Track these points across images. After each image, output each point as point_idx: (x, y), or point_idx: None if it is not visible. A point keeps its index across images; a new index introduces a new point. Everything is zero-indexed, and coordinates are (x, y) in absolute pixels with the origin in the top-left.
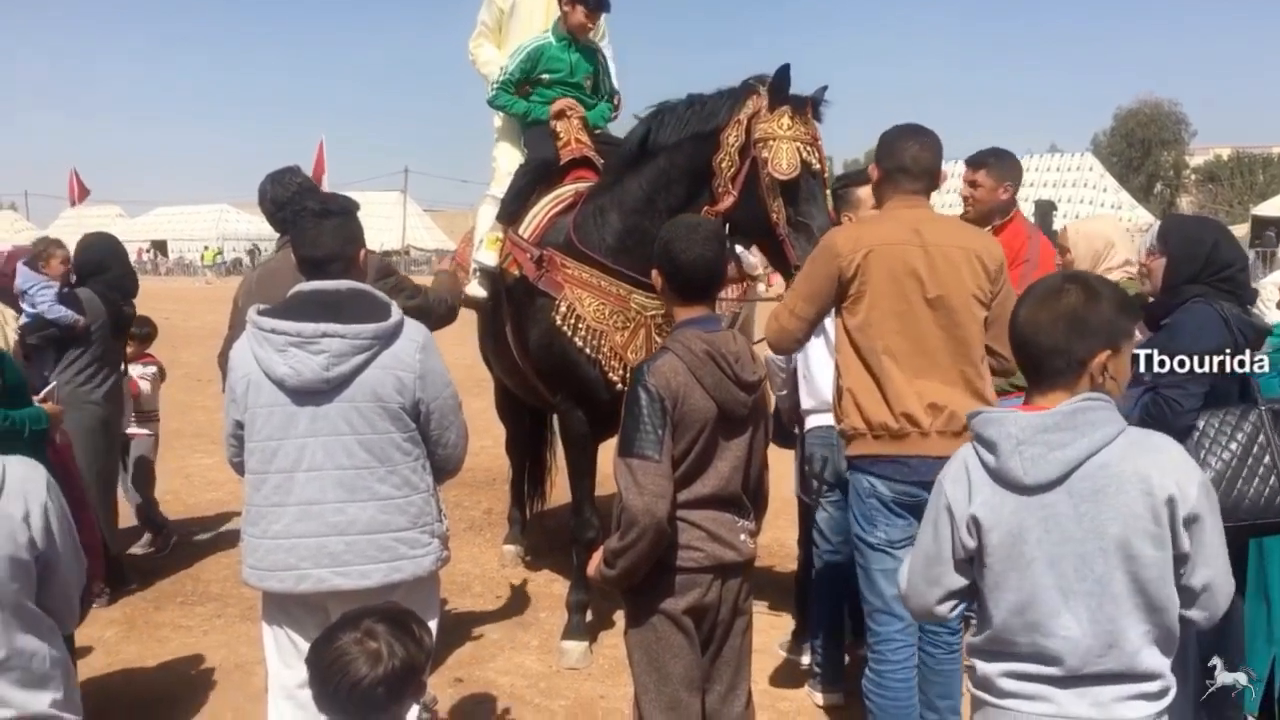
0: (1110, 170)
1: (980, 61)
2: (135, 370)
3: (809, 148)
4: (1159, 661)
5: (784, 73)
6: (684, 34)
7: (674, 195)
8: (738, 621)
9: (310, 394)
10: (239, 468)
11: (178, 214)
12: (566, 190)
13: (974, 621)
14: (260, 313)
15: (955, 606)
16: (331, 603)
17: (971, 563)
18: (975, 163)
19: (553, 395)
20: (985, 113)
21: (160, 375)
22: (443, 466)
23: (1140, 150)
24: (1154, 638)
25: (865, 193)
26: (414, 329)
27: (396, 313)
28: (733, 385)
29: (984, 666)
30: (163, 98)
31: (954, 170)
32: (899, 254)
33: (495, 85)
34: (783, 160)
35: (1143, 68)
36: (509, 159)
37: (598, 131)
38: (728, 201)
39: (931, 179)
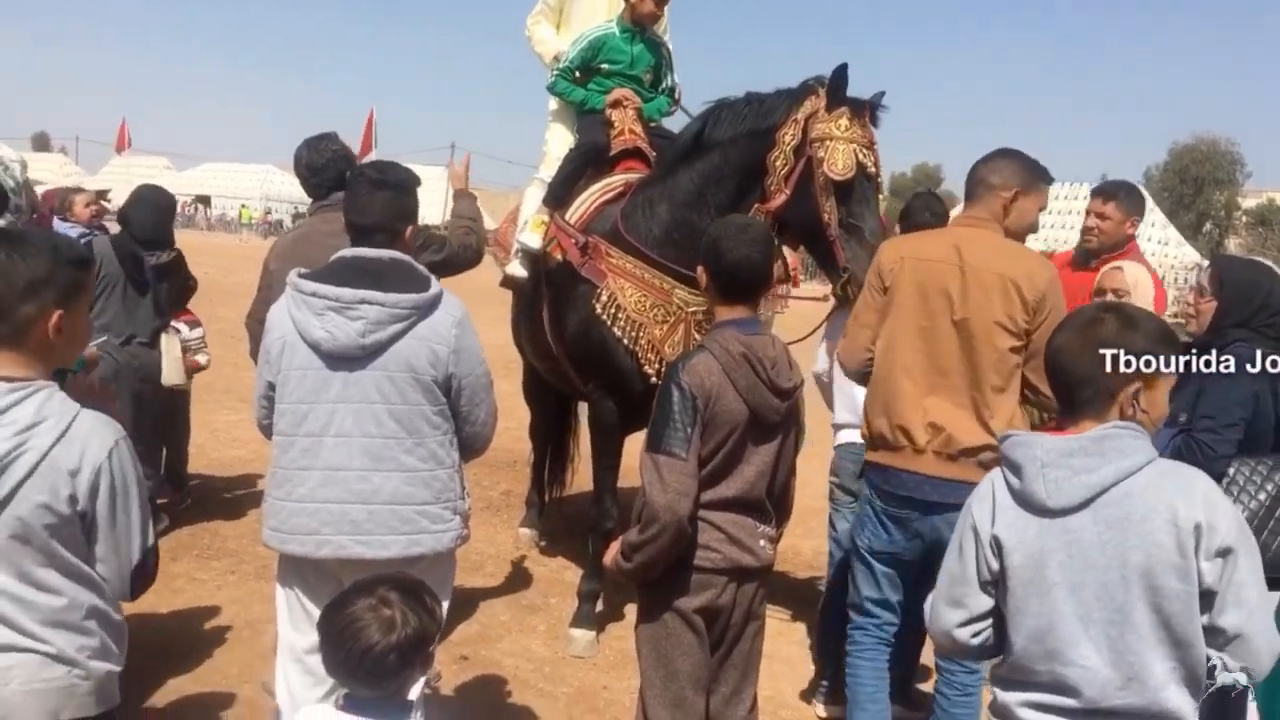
0: (1160, 205)
1: (1037, 88)
2: (184, 332)
3: (866, 150)
4: (1184, 702)
5: (842, 72)
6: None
7: (725, 191)
8: (750, 626)
9: (345, 359)
10: (267, 430)
11: (224, 171)
12: (616, 180)
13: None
14: (301, 275)
15: (976, 634)
16: (346, 572)
17: (996, 585)
18: (1105, 194)
19: (585, 383)
20: (1038, 138)
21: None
22: (470, 444)
23: (1192, 188)
24: (1180, 676)
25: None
26: (452, 303)
27: (436, 285)
28: (766, 390)
29: (1003, 695)
30: (218, 53)
31: (1062, 193)
32: (933, 270)
33: (555, 72)
34: (839, 161)
35: (1201, 105)
36: (561, 143)
37: (653, 125)
38: (780, 199)
39: (985, 189)
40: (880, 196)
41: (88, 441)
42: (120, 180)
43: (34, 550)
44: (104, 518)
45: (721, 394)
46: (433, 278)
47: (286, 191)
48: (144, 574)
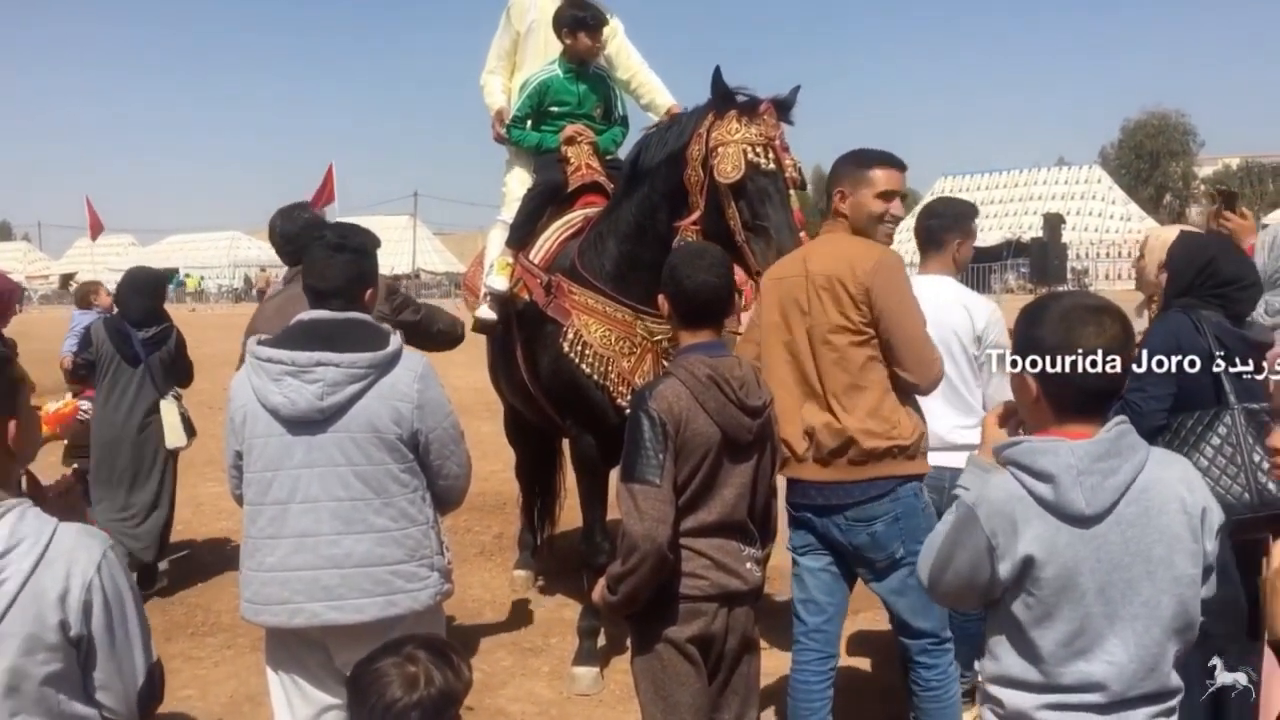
0: (1119, 182)
1: (986, 74)
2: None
3: (758, 149)
4: (1178, 679)
5: (715, 76)
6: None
7: (660, 220)
8: (746, 650)
9: (305, 424)
10: (240, 500)
11: (190, 241)
12: (576, 216)
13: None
14: (259, 343)
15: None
16: (330, 639)
17: (1006, 592)
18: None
19: (563, 420)
20: (993, 125)
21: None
22: (445, 497)
23: (1149, 162)
24: (1177, 654)
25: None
26: (412, 358)
27: (395, 342)
28: (737, 410)
29: (1016, 698)
30: (173, 126)
31: (1021, 179)
32: (787, 287)
33: (506, 123)
34: (727, 164)
35: (1149, 79)
36: (520, 184)
37: (609, 157)
38: (694, 215)
39: (828, 200)
40: (797, 190)
41: (73, 558)
42: (85, 263)
43: (25, 700)
44: (102, 639)
45: (691, 418)
46: (394, 335)
47: (254, 255)
48: (152, 694)
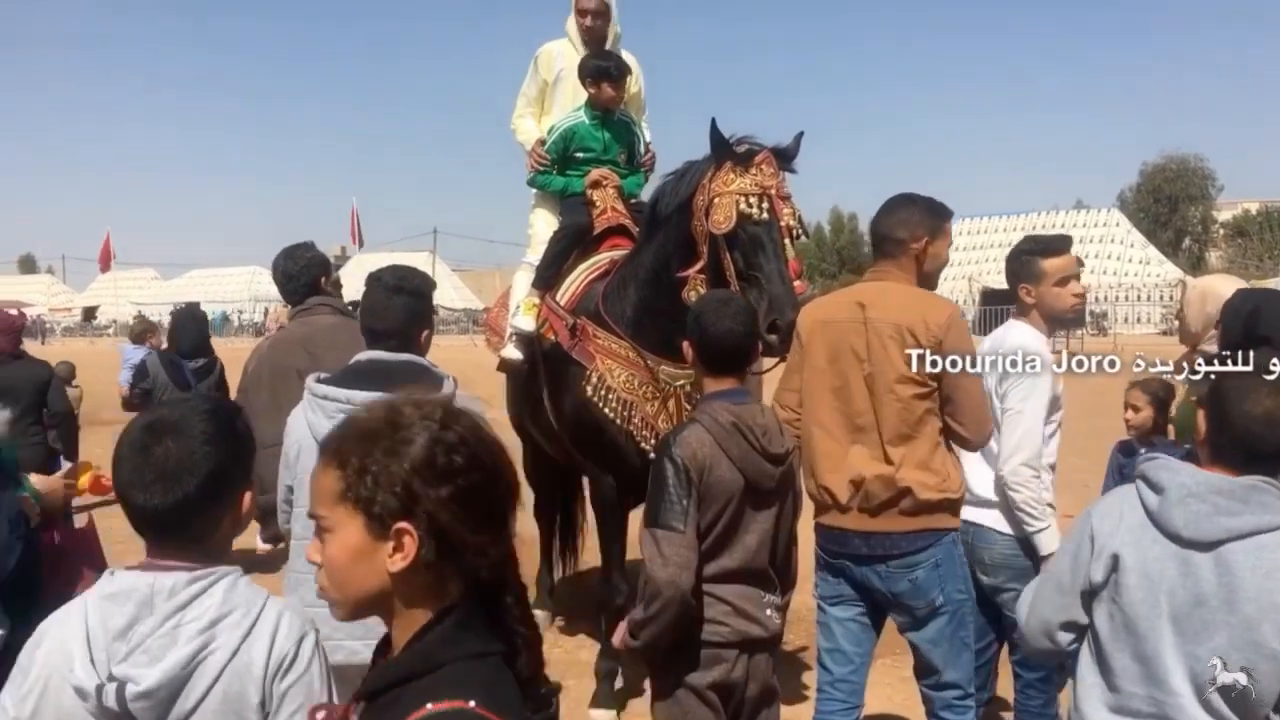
0: (1138, 226)
1: (1005, 117)
2: None
3: (751, 199)
4: None
5: (712, 128)
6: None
7: (673, 269)
8: (765, 697)
9: None
10: (289, 534)
11: (211, 276)
12: (602, 258)
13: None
14: (317, 380)
15: (1071, 642)
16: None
17: (1093, 598)
18: None
19: (584, 461)
20: (1010, 168)
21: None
22: None
23: (1167, 206)
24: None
25: (1052, 264)
26: (466, 397)
27: (450, 385)
28: (760, 458)
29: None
30: (198, 160)
31: (1040, 222)
32: (841, 331)
33: (538, 166)
34: (720, 215)
35: (1167, 123)
36: (546, 226)
37: (633, 200)
38: (698, 265)
39: (895, 245)
40: (797, 238)
41: (278, 633)
42: (109, 295)
43: None
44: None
45: (715, 464)
46: (448, 378)
47: (274, 291)
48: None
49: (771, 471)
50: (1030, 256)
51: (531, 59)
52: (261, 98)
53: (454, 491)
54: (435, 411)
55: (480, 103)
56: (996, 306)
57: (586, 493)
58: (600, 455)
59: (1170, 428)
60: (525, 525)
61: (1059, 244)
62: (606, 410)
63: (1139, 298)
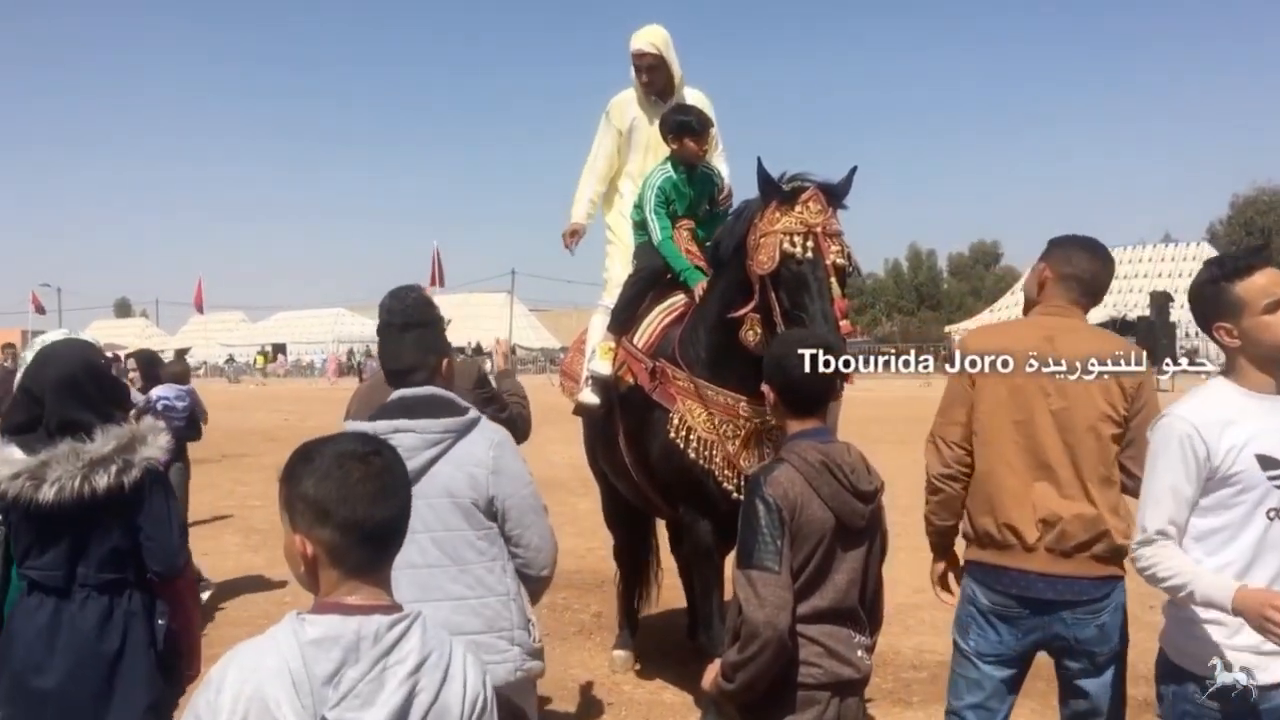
0: None
1: (1090, 148)
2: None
3: (795, 238)
4: None
5: (759, 167)
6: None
7: (733, 310)
8: None
9: None
10: None
11: (296, 318)
12: (678, 300)
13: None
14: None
15: None
16: None
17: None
18: None
19: (674, 507)
20: (1096, 201)
21: None
22: (525, 571)
23: (1260, 239)
24: None
25: (1252, 287)
26: (490, 427)
27: (473, 412)
28: (850, 496)
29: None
30: (285, 206)
31: (1125, 257)
32: (1025, 362)
33: (640, 209)
34: (763, 255)
35: (1259, 154)
36: (622, 269)
37: (708, 245)
38: (750, 304)
39: (1096, 299)
40: (849, 276)
41: (468, 674)
42: (199, 337)
43: None
44: None
45: (806, 504)
46: (472, 408)
47: (357, 332)
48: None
49: (862, 510)
50: (1217, 284)
51: (603, 112)
52: (344, 143)
53: None
54: None
55: (557, 146)
56: None
57: (663, 534)
58: (690, 499)
59: None
60: (605, 562)
61: (1252, 260)
62: (689, 452)
63: None
